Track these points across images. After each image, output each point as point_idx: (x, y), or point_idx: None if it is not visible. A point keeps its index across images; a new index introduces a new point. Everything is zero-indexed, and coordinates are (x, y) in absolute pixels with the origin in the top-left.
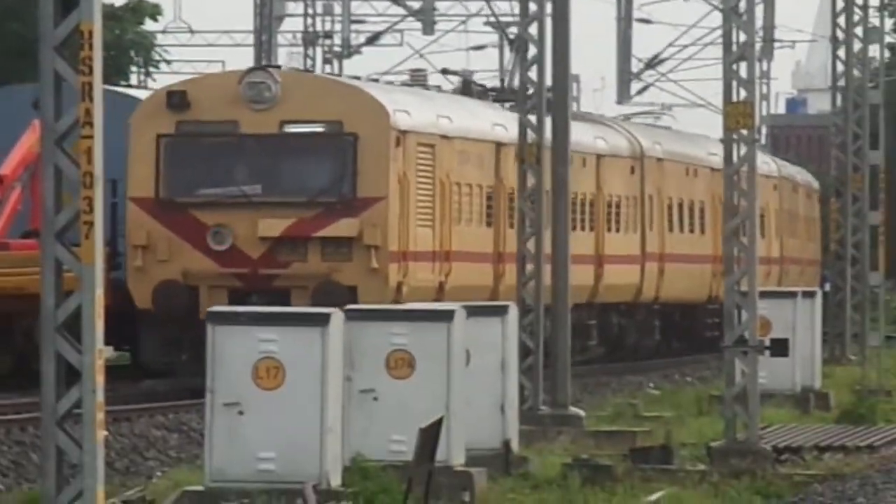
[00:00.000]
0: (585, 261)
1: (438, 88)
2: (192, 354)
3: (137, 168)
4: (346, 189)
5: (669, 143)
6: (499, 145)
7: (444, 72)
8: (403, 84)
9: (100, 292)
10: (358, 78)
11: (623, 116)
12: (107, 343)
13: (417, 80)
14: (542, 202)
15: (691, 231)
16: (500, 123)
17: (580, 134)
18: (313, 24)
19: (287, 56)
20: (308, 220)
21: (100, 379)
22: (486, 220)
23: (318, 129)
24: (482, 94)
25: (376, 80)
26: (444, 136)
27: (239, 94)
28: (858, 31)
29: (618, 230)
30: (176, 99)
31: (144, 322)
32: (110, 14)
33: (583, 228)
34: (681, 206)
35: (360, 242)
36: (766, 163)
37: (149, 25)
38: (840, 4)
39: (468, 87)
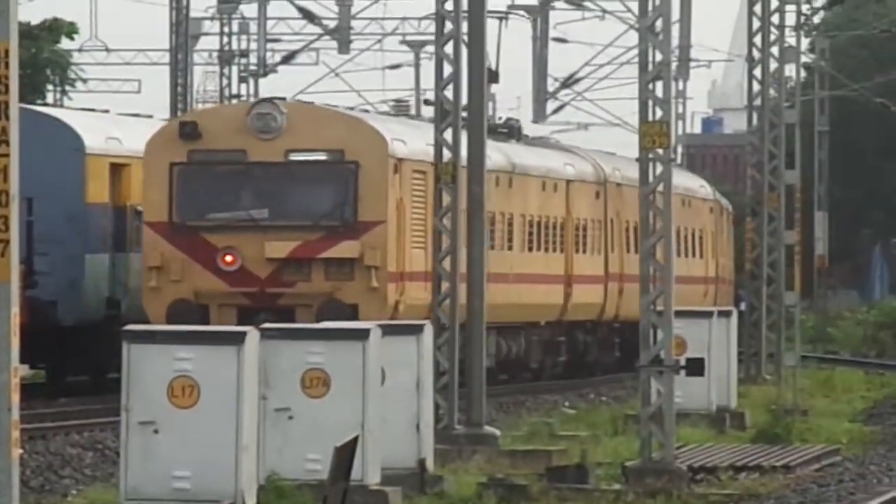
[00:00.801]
0: (557, 280)
1: (419, 117)
2: None
3: (152, 194)
4: (348, 213)
5: (626, 169)
6: (490, 173)
7: (426, 102)
8: (387, 113)
9: (15, 310)
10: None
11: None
12: (22, 361)
13: (401, 109)
14: (457, 221)
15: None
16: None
17: (552, 160)
18: (229, 43)
19: (203, 75)
20: (312, 243)
21: (15, 397)
22: (538, 246)
23: (322, 157)
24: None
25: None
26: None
27: (247, 125)
28: (774, 50)
29: (584, 251)
30: (188, 129)
31: None
32: (26, 32)
33: (554, 250)
34: (636, 229)
35: (361, 263)
36: (703, 186)
37: (65, 44)
38: (756, 24)
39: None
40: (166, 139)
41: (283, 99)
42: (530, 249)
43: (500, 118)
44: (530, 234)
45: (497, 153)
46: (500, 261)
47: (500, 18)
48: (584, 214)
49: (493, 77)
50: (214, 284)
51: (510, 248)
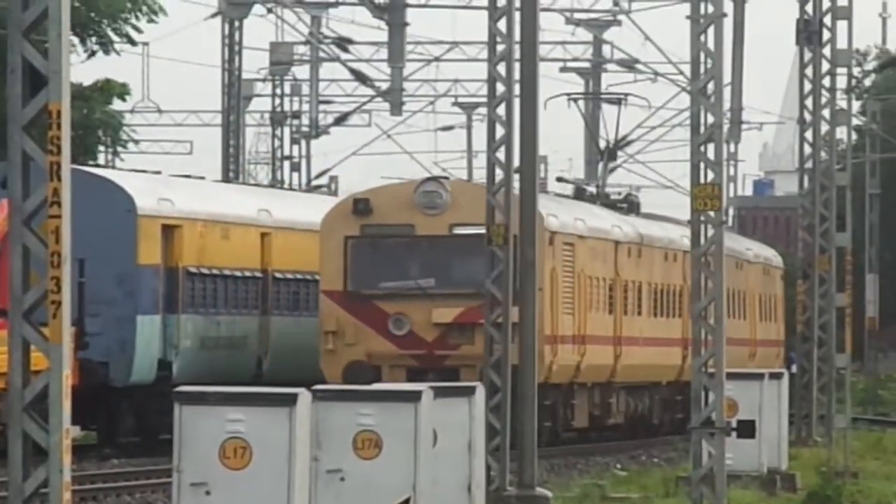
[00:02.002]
0: (676, 343)
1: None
2: None
3: (328, 265)
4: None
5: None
6: (617, 243)
7: (559, 179)
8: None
9: (67, 371)
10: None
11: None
12: (74, 422)
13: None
14: (509, 283)
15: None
16: (617, 224)
17: (671, 232)
18: (281, 105)
19: (255, 136)
20: (475, 309)
21: (66, 458)
22: (608, 308)
23: (483, 230)
24: (590, 198)
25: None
26: (580, 236)
27: (414, 202)
28: (826, 113)
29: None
30: (361, 206)
31: None
32: (78, 93)
33: (674, 315)
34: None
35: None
36: (775, 255)
37: (117, 105)
38: (808, 87)
39: (580, 193)
40: (341, 215)
41: (447, 178)
42: (656, 315)
43: (619, 193)
44: (655, 300)
45: (627, 226)
46: (632, 325)
47: (618, 101)
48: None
49: (612, 155)
50: (386, 347)
51: (639, 313)
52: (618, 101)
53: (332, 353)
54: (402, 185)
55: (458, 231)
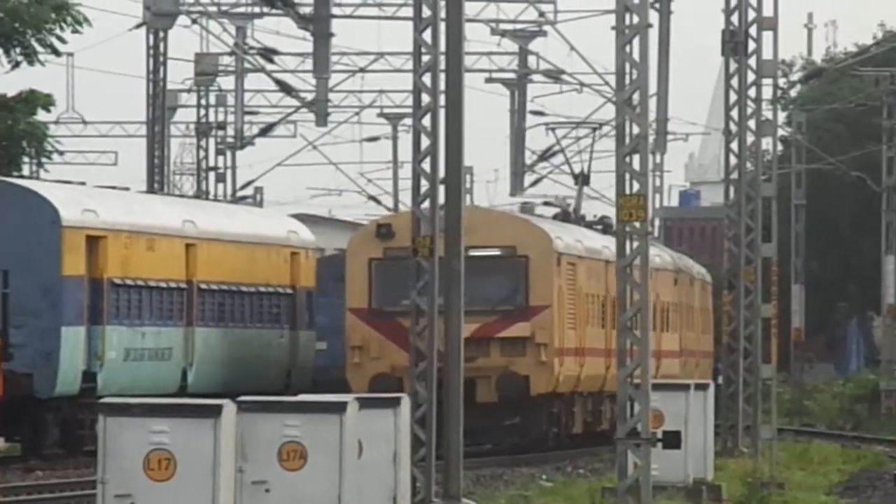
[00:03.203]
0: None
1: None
2: None
3: (354, 285)
4: (520, 299)
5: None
6: (607, 262)
7: (547, 203)
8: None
9: None
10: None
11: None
12: None
13: (526, 210)
14: (434, 294)
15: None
16: (607, 245)
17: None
18: (206, 115)
19: (180, 147)
20: (491, 324)
21: None
22: (601, 323)
23: (496, 252)
24: (574, 220)
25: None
26: (580, 257)
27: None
28: (751, 123)
29: (667, 331)
30: (384, 230)
31: None
32: (2, 104)
33: (601, 326)
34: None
35: (533, 341)
36: (660, 254)
37: (41, 116)
38: (733, 97)
39: (566, 216)
40: (365, 238)
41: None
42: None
43: (595, 216)
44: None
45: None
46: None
47: (593, 129)
48: (666, 298)
49: (586, 180)
50: (408, 361)
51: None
52: (593, 129)
53: (358, 367)
54: None
55: (474, 253)
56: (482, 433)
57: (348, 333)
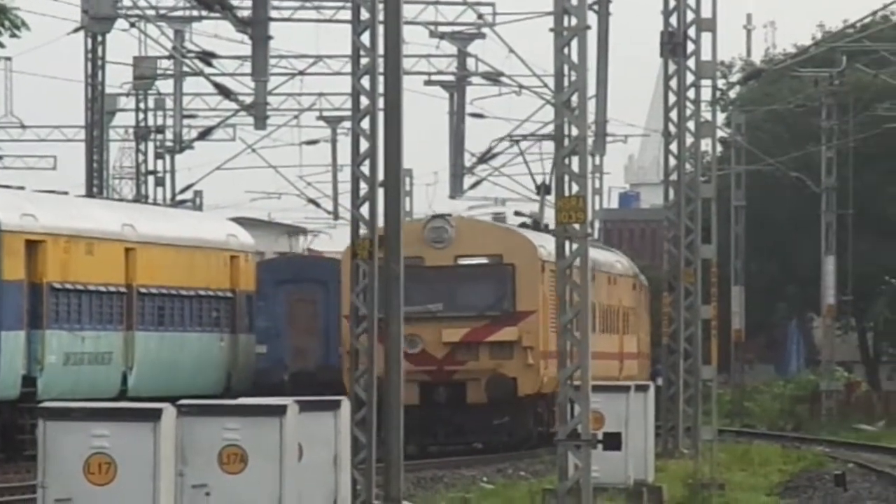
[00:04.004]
0: (612, 357)
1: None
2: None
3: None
4: (507, 305)
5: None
6: (613, 276)
7: (517, 213)
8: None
9: None
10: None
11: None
12: None
13: (499, 219)
14: (374, 297)
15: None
16: (603, 259)
17: (608, 256)
18: (145, 119)
19: (119, 151)
20: (479, 329)
21: None
22: (603, 328)
23: (484, 261)
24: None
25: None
26: None
27: (423, 237)
28: (690, 125)
29: (629, 333)
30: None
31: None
32: None
33: (609, 331)
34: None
35: (520, 345)
36: (620, 260)
37: None
38: (672, 99)
39: (536, 225)
40: None
41: (450, 215)
42: (603, 332)
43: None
44: (603, 319)
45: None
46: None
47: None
48: (628, 303)
49: (547, 190)
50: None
51: (594, 330)
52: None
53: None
54: (412, 223)
55: (462, 262)
56: (472, 432)
57: (344, 339)
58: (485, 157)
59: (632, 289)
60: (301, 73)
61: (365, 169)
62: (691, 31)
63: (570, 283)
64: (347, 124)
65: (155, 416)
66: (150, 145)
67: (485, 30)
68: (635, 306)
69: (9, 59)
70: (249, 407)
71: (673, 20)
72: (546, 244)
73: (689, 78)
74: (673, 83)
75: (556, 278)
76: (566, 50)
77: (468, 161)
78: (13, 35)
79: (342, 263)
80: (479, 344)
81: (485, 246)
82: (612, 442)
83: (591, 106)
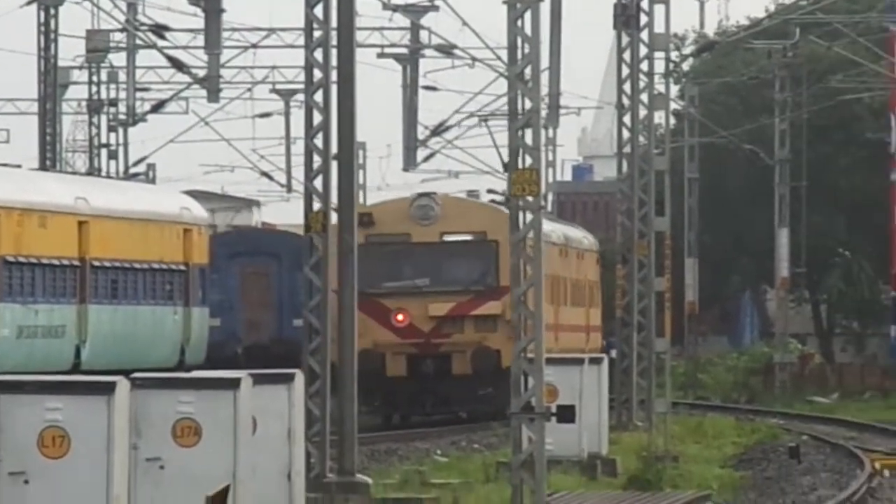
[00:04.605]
0: (581, 329)
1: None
2: (382, 400)
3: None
4: (491, 280)
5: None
6: (554, 245)
7: (490, 191)
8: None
9: None
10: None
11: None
12: None
13: (472, 195)
14: (329, 269)
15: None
16: (553, 230)
17: (571, 231)
18: (98, 92)
19: (72, 124)
20: (465, 303)
21: None
22: (573, 302)
23: (469, 238)
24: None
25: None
26: (549, 242)
27: (410, 214)
28: (644, 97)
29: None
30: (365, 219)
31: None
32: None
33: (578, 304)
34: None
35: (503, 318)
36: (586, 237)
37: None
38: (625, 71)
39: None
40: None
41: (435, 194)
42: (573, 305)
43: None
44: (573, 293)
45: (559, 231)
46: (565, 314)
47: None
48: (593, 278)
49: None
50: (389, 337)
51: (566, 304)
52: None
53: None
54: (399, 201)
55: (448, 238)
56: (458, 403)
57: (333, 313)
58: (438, 130)
59: (596, 264)
60: (254, 45)
61: (318, 142)
62: (644, 4)
63: (523, 256)
64: (301, 97)
65: (109, 389)
66: (104, 118)
67: (438, 2)
68: (599, 281)
69: None
70: (203, 380)
71: None
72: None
73: (643, 50)
74: (626, 55)
75: (550, 255)
76: (519, 22)
77: (421, 134)
78: None
79: (331, 242)
80: (465, 318)
81: (469, 223)
82: (566, 415)
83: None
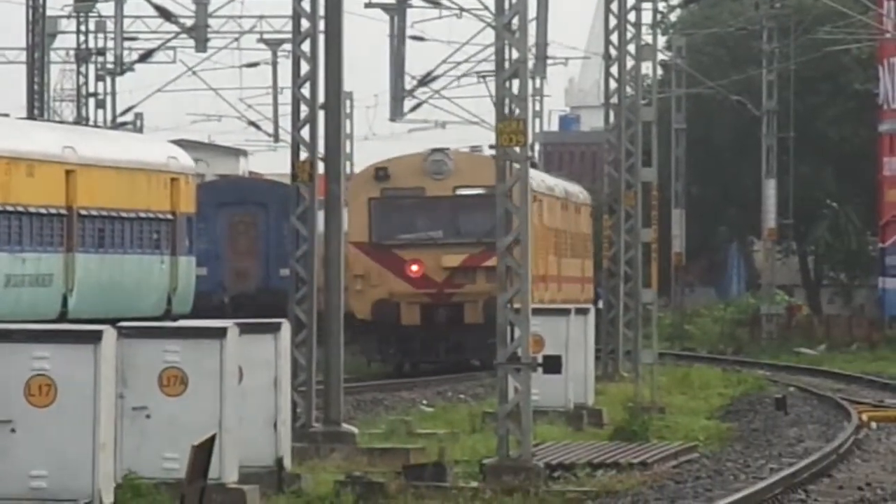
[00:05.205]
0: (579, 281)
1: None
2: (396, 348)
3: (354, 221)
4: None
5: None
6: (558, 199)
7: (492, 146)
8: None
9: None
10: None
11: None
12: None
13: (476, 150)
14: (314, 221)
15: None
16: (558, 184)
17: (570, 187)
18: (86, 42)
19: (60, 73)
20: (476, 255)
21: None
22: (573, 254)
23: (481, 191)
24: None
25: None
26: (545, 195)
27: (424, 168)
28: (631, 48)
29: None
30: (381, 173)
31: (362, 329)
32: None
33: (575, 256)
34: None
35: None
36: (582, 192)
37: None
38: (613, 22)
39: None
40: (365, 180)
41: (448, 149)
42: (573, 257)
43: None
44: (572, 245)
45: (560, 186)
46: (566, 266)
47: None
48: (587, 230)
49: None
50: (404, 287)
51: (567, 256)
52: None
53: (360, 294)
54: (414, 156)
55: (461, 192)
56: (470, 350)
57: (351, 264)
58: (425, 80)
59: (589, 217)
60: None
61: (305, 91)
62: None
63: (510, 206)
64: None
65: (95, 337)
66: (91, 68)
67: None
68: (591, 233)
69: None
70: (190, 329)
71: None
72: (542, 177)
73: (631, 1)
74: (614, 6)
75: (542, 208)
76: None
77: (408, 84)
78: None
79: (349, 195)
80: (477, 269)
81: (481, 177)
82: (552, 365)
83: (532, 28)
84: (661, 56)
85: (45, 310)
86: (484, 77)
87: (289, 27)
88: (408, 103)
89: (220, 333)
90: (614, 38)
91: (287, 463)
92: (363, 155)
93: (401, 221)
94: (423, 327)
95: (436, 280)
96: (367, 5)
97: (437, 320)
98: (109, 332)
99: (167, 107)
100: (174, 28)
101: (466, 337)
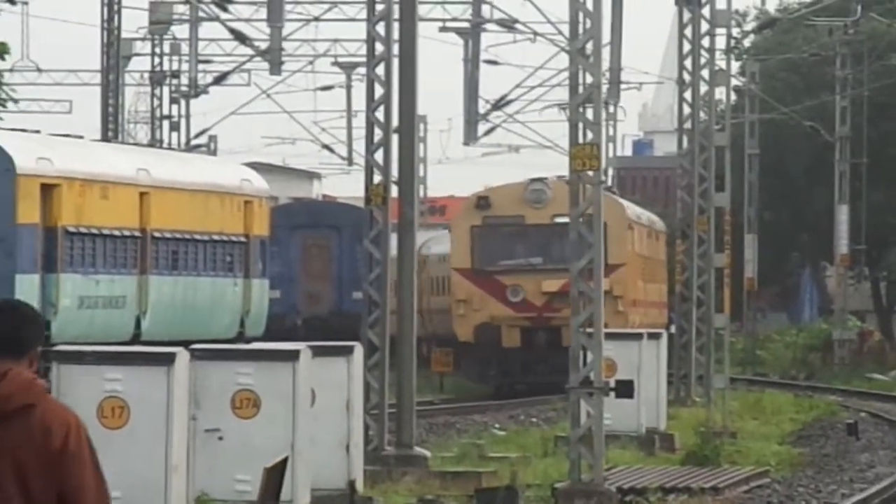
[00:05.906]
0: (658, 306)
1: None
2: (499, 370)
3: (458, 248)
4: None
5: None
6: (649, 229)
7: (560, 177)
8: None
9: None
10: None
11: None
12: None
13: (562, 180)
14: (387, 244)
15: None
16: (646, 214)
17: (648, 215)
18: (160, 64)
19: (134, 95)
20: None
21: None
22: (653, 279)
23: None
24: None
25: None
26: (640, 224)
27: (524, 197)
28: (705, 73)
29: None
30: (482, 202)
31: (465, 350)
32: None
33: (655, 282)
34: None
35: (611, 294)
36: (658, 220)
37: None
38: (686, 47)
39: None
40: (467, 209)
41: (547, 178)
42: (650, 282)
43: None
44: (653, 272)
45: (645, 215)
46: (646, 291)
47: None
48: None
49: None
50: (505, 312)
51: (645, 281)
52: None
53: (462, 318)
54: (514, 185)
55: (559, 220)
56: (567, 372)
57: (454, 289)
58: (499, 104)
59: (665, 244)
60: (316, 18)
61: (379, 115)
62: None
63: (583, 231)
64: (362, 70)
65: (168, 360)
66: (166, 90)
67: None
68: (665, 259)
69: (25, 3)
70: (263, 352)
71: None
72: (632, 206)
73: (704, 26)
74: (688, 31)
75: (641, 237)
76: None
77: (482, 108)
78: None
79: (452, 224)
80: None
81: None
82: (625, 389)
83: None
84: (734, 81)
85: (118, 332)
86: (564, 109)
87: (363, 51)
88: (481, 127)
89: (293, 356)
90: (688, 63)
91: (359, 486)
92: (437, 179)
93: (502, 248)
94: (523, 349)
95: (535, 304)
96: (442, 29)
97: (536, 343)
98: (182, 355)
99: (241, 130)
100: (249, 51)
101: (564, 359)
